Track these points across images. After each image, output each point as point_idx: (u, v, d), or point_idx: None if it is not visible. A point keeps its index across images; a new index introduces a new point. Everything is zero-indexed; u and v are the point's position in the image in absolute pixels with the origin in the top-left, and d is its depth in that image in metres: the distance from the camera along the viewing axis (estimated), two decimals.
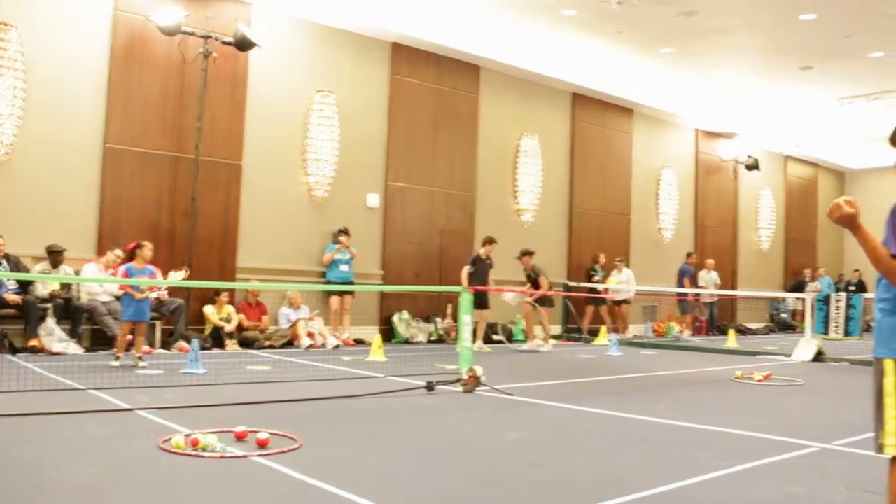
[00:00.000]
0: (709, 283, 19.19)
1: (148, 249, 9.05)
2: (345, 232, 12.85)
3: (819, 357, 12.30)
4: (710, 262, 19.45)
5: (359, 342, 12.75)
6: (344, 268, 12.78)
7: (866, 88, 18.05)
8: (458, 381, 7.68)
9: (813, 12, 13.50)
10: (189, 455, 4.37)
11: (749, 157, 20.88)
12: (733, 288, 20.56)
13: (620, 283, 16.44)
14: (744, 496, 3.97)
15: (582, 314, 16.35)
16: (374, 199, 13.81)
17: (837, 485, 4.22)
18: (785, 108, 20.02)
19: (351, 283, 12.82)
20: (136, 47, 11.38)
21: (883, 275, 2.87)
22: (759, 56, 16.04)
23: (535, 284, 13.51)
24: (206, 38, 11.43)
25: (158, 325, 10.77)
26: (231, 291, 11.96)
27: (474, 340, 12.91)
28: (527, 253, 13.62)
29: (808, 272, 22.51)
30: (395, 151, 14.08)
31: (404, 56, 14.26)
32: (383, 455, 4.73)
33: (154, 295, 10.04)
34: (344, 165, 13.30)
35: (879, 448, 2.89)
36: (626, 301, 16.72)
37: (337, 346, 12.06)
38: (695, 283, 18.12)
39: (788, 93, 18.55)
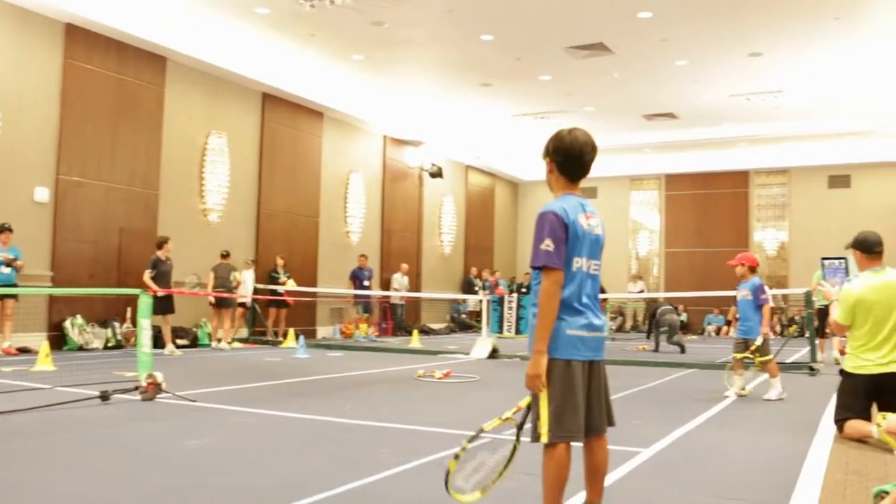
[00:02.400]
0: (402, 286, 19.91)
1: None
2: (7, 229, 11.64)
3: (494, 354, 13.21)
4: (405, 266, 20.28)
5: (23, 351, 11.58)
6: (5, 269, 11.56)
7: (536, 108, 19.77)
8: (137, 388, 7.26)
9: (491, 34, 14.51)
10: None
11: (433, 164, 21.90)
12: (417, 290, 21.46)
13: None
14: (419, 490, 4.12)
15: (267, 316, 16.19)
16: (42, 194, 12.60)
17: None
18: (467, 121, 21.36)
19: (14, 285, 11.61)
20: None
21: (546, 301, 3.10)
22: (443, 70, 16.92)
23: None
24: None
25: None
26: None
27: (164, 345, 12.45)
28: None
29: (474, 271, 24.15)
30: (69, 143, 12.96)
31: (81, 39, 13.18)
32: (48, 475, 4.33)
33: None
34: (7, 155, 12.01)
35: (536, 437, 3.16)
36: (286, 305, 16.63)
37: None
38: (362, 285, 18.52)
39: (470, 107, 19.79)
